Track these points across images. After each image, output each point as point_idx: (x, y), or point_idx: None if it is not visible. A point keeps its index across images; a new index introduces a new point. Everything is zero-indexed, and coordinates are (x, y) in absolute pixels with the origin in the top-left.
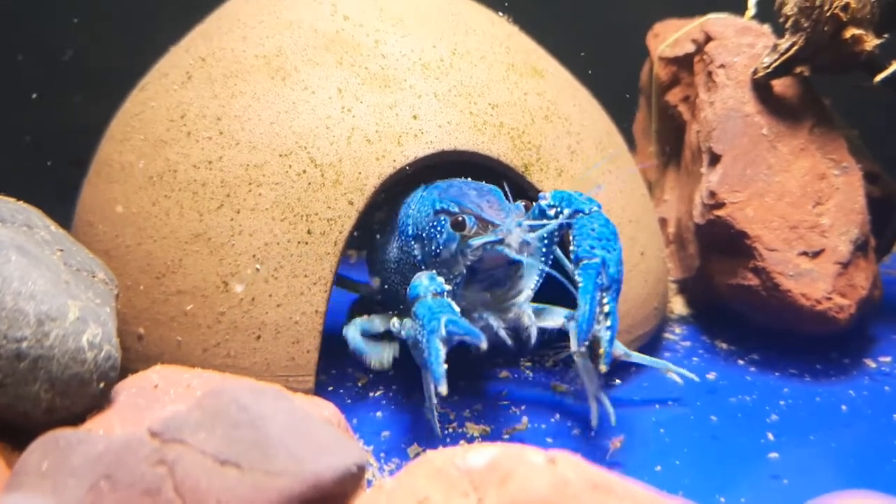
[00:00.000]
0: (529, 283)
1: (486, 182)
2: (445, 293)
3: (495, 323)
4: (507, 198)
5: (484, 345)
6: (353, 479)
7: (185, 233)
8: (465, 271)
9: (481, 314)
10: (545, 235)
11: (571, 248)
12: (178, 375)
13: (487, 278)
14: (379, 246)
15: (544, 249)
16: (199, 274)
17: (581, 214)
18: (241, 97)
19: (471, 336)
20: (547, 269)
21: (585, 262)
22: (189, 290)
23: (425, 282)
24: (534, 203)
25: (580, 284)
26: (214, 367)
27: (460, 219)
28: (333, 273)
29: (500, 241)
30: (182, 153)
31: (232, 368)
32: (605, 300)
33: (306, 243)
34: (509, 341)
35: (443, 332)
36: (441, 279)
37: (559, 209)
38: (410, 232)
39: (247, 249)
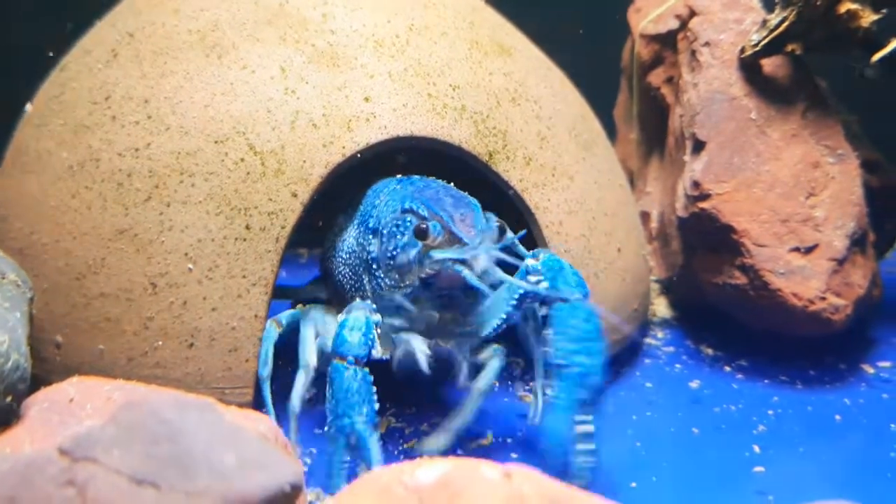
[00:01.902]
0: (487, 326)
1: (447, 170)
2: (370, 354)
3: (421, 357)
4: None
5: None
6: (285, 499)
7: (109, 228)
8: (417, 282)
9: (411, 340)
10: (516, 297)
11: (548, 344)
12: (97, 388)
13: (440, 297)
14: (335, 234)
15: (512, 306)
16: (124, 274)
17: (561, 301)
18: (171, 77)
19: (364, 459)
20: (503, 321)
21: (564, 371)
22: (113, 293)
23: (356, 336)
24: (507, 228)
25: (555, 398)
26: (141, 378)
27: (424, 226)
28: (275, 273)
29: (464, 262)
30: (106, 140)
31: (161, 380)
32: (585, 418)
33: (244, 240)
34: (426, 369)
35: (353, 441)
36: (376, 318)
37: (543, 280)
38: (371, 224)
39: (178, 247)
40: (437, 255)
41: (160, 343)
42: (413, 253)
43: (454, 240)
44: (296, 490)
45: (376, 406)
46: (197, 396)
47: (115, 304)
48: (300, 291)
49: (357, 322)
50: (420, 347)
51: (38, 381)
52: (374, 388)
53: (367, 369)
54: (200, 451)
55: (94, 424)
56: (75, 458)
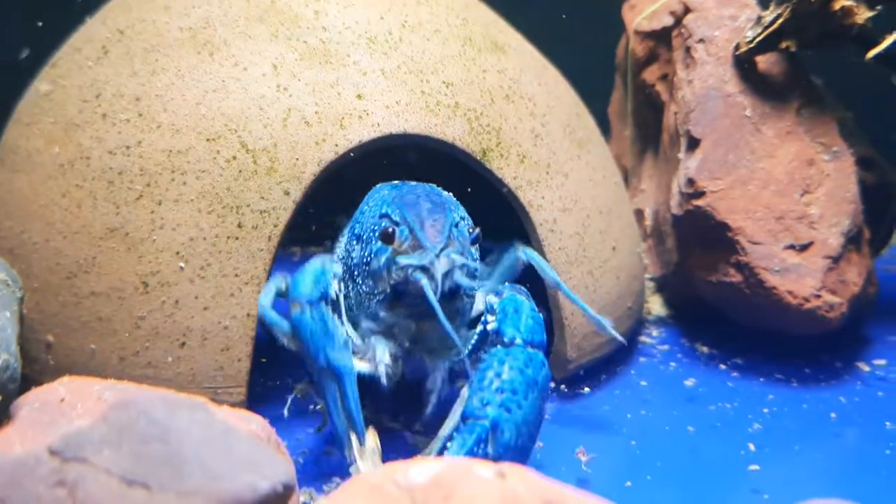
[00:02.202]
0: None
1: (441, 169)
2: (329, 300)
3: (381, 368)
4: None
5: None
6: (278, 500)
7: (100, 227)
8: (388, 290)
9: (376, 346)
10: (477, 333)
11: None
12: (88, 388)
13: (413, 304)
14: (337, 237)
15: (473, 342)
16: (115, 274)
17: (502, 343)
18: (163, 74)
19: (342, 394)
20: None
21: (469, 422)
22: (104, 292)
23: (308, 281)
24: (479, 238)
25: (448, 447)
26: (133, 378)
27: (391, 230)
28: (267, 272)
29: (422, 268)
30: (96, 137)
31: (153, 380)
32: None
33: (237, 238)
34: (384, 381)
35: (332, 377)
36: (335, 269)
37: (496, 316)
38: (356, 230)
39: (169, 246)
40: (402, 260)
41: (152, 342)
42: (383, 259)
43: (419, 245)
44: (288, 490)
45: (343, 334)
46: (188, 396)
47: (106, 303)
48: None
49: (313, 269)
50: (382, 357)
51: (28, 381)
52: (337, 319)
53: (322, 306)
54: (192, 451)
55: (85, 424)
56: (65, 459)
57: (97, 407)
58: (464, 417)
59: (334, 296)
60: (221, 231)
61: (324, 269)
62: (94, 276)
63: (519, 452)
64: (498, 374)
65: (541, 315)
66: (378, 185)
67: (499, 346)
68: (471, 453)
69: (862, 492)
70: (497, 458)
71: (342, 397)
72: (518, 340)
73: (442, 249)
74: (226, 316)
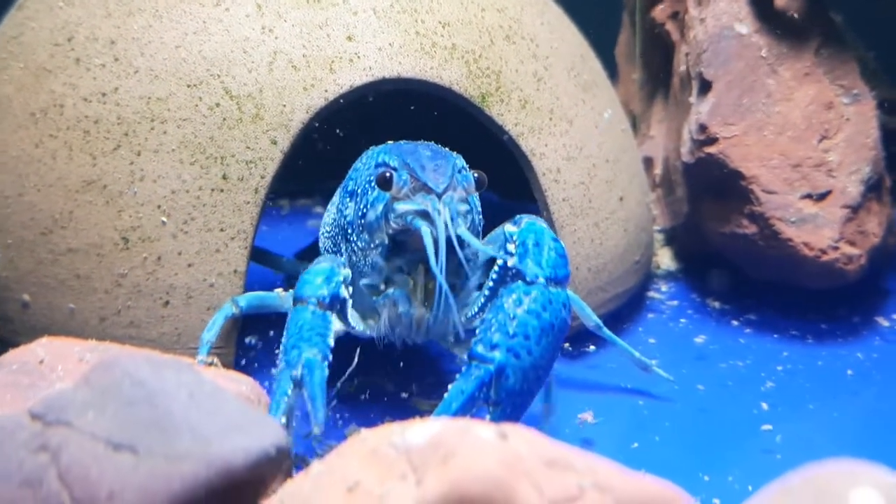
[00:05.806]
0: (473, 305)
1: (438, 116)
2: (339, 300)
3: (403, 306)
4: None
5: (317, 429)
6: (270, 464)
7: (76, 180)
8: (386, 241)
9: (395, 296)
10: (496, 271)
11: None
12: (67, 349)
13: (413, 259)
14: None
15: (493, 280)
16: (93, 229)
17: (523, 280)
18: (140, 15)
19: (312, 406)
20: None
21: (474, 363)
22: (82, 249)
23: (318, 280)
24: (485, 181)
25: (450, 388)
26: (115, 338)
27: (388, 174)
28: (255, 226)
29: (423, 214)
30: (70, 84)
31: (135, 340)
32: (487, 419)
33: (221, 190)
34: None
35: (297, 372)
36: (344, 274)
37: (516, 249)
38: (349, 187)
39: (150, 199)
40: (400, 207)
41: (134, 301)
42: (380, 207)
43: (420, 187)
44: (282, 454)
45: (331, 343)
46: (174, 357)
47: (84, 260)
48: (284, 262)
49: (322, 269)
50: (406, 305)
51: (4, 343)
52: (332, 326)
53: (328, 312)
54: (180, 414)
55: (67, 387)
56: (48, 423)
57: (78, 368)
58: (470, 357)
59: (344, 297)
60: (205, 183)
61: (334, 270)
62: (72, 232)
63: (523, 397)
64: (513, 316)
65: (562, 244)
66: (373, 147)
67: (518, 282)
68: (471, 397)
69: (880, 452)
70: (498, 403)
71: (308, 386)
72: (540, 279)
73: (445, 190)
74: (211, 273)
